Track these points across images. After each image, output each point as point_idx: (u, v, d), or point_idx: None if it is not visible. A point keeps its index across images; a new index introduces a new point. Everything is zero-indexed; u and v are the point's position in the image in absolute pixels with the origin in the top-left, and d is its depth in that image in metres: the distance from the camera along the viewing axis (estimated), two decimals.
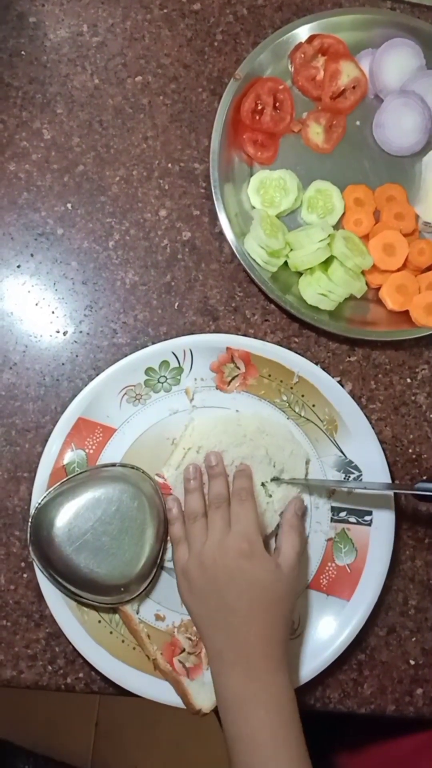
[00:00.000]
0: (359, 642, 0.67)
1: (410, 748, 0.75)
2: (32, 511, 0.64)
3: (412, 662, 0.69)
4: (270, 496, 0.67)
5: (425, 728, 0.74)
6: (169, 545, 0.66)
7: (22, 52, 0.76)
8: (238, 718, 0.57)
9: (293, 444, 0.68)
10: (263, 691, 0.58)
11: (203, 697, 0.63)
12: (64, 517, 0.62)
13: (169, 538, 0.66)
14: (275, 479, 0.67)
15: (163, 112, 0.76)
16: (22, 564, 0.68)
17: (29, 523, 0.64)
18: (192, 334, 0.71)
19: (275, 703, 0.57)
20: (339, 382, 0.70)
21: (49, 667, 0.67)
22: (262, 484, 0.67)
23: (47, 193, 0.74)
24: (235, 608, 0.59)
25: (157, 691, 0.64)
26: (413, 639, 0.70)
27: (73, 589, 0.63)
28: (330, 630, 0.66)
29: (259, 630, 0.59)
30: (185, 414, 0.69)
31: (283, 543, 0.64)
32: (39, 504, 0.64)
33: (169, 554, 0.66)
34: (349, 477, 0.69)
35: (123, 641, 0.65)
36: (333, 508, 0.68)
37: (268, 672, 0.58)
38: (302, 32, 0.75)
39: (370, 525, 0.68)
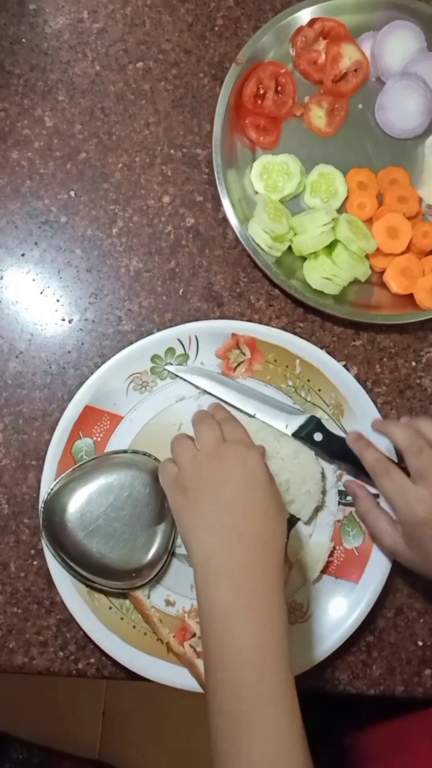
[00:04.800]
0: (368, 624, 0.68)
1: (413, 726, 0.76)
2: (44, 496, 0.65)
3: (420, 643, 0.70)
4: None
5: (427, 706, 0.75)
6: None
7: (23, 40, 0.75)
8: (222, 633, 0.51)
9: (314, 485, 0.67)
10: (254, 603, 0.51)
11: None
12: (76, 503, 0.63)
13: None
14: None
15: (164, 98, 0.76)
16: (32, 551, 0.68)
17: (42, 508, 0.64)
18: (197, 320, 0.71)
19: (267, 619, 0.51)
20: (344, 366, 0.70)
21: (61, 653, 0.67)
22: None
23: (50, 181, 0.73)
24: (230, 507, 0.54)
25: (168, 675, 0.64)
26: (421, 620, 0.70)
27: (84, 574, 0.63)
28: (339, 612, 0.66)
29: (254, 531, 0.54)
30: (192, 400, 0.69)
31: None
32: (52, 489, 0.64)
33: (179, 540, 0.67)
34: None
35: (134, 627, 0.65)
36: (341, 492, 0.69)
37: (261, 583, 0.53)
38: (303, 16, 0.75)
39: None
